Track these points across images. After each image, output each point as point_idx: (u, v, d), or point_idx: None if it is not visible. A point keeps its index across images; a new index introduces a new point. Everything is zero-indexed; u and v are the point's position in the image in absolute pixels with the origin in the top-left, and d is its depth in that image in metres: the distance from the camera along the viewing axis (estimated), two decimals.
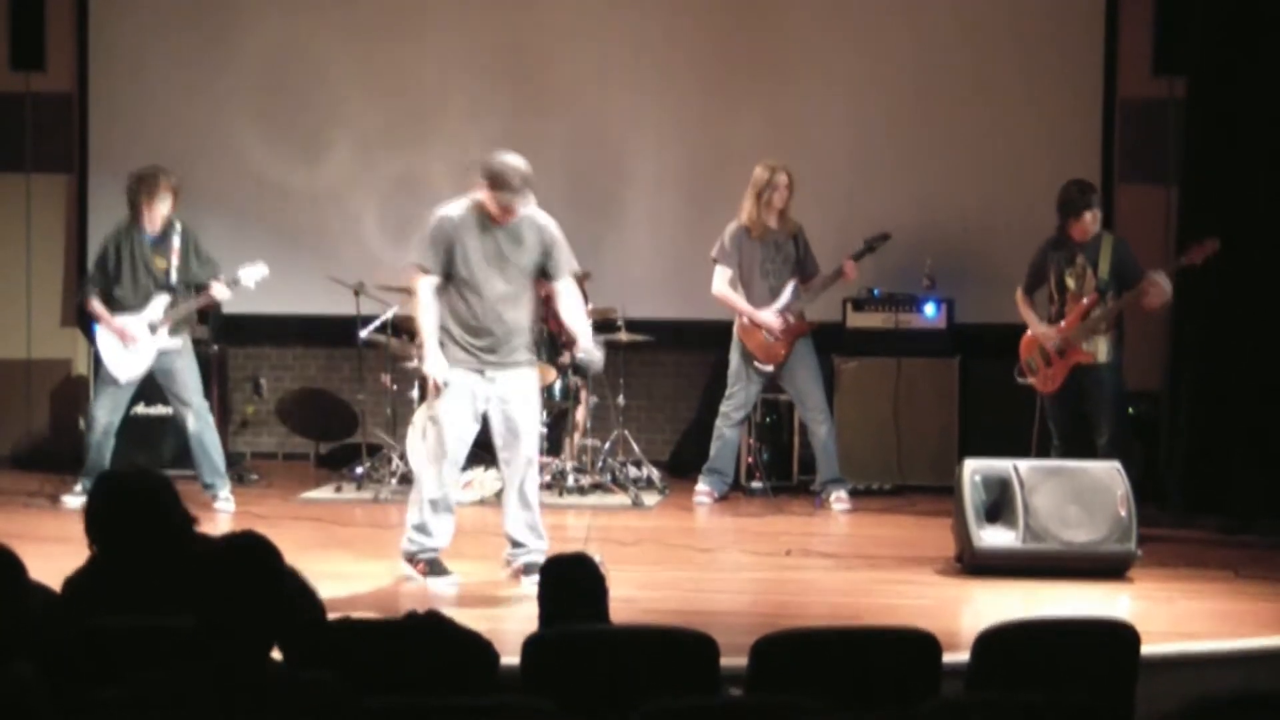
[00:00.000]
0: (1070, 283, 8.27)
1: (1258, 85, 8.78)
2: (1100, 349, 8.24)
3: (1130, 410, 8.65)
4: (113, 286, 8.78)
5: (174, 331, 8.83)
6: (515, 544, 7.09)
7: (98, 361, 8.99)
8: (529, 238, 7.02)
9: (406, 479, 9.20)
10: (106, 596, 4.26)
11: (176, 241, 8.80)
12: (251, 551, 3.64)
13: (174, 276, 8.81)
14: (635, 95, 10.37)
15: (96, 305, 8.81)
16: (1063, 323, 8.27)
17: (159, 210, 8.74)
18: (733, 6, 10.32)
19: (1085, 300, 8.20)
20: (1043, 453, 8.31)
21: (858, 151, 10.24)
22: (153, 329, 8.76)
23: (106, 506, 4.46)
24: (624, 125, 10.39)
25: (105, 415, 8.85)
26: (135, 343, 8.76)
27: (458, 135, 10.49)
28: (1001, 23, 10.18)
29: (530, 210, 7.00)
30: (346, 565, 7.31)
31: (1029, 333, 8.45)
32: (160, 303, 8.79)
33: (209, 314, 9.69)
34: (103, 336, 8.86)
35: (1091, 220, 8.20)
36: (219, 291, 8.81)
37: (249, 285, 8.81)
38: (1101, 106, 10.06)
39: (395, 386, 9.58)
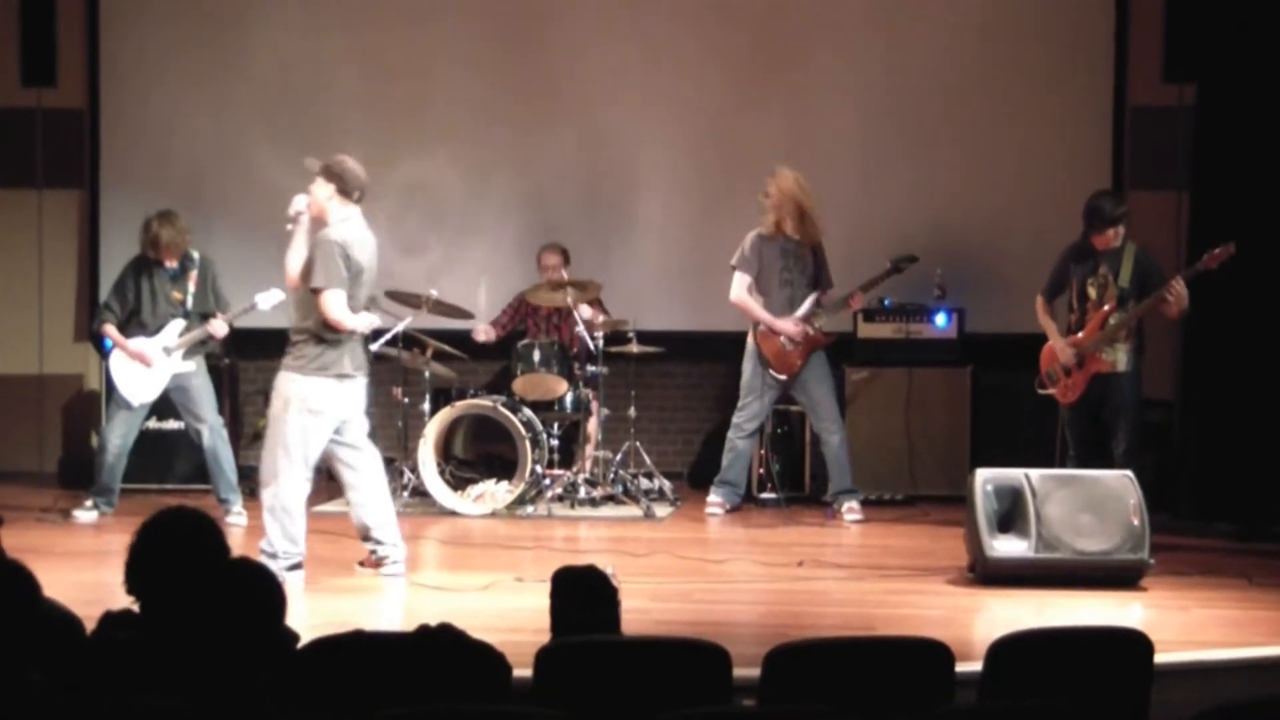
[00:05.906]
0: (1091, 292, 8.24)
1: (1268, 91, 8.78)
2: (1120, 358, 8.21)
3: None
4: (130, 314, 8.84)
5: (188, 355, 8.87)
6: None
7: (110, 385, 9.02)
8: None
9: (419, 492, 9.22)
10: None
11: (194, 272, 8.90)
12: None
13: (190, 304, 8.88)
14: (646, 105, 10.38)
15: (112, 330, 8.88)
16: (1080, 333, 8.25)
17: (165, 251, 8.79)
18: (745, 19, 10.31)
19: (1105, 308, 8.18)
20: (1065, 463, 8.29)
21: (868, 161, 10.23)
22: (167, 352, 8.82)
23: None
24: (635, 136, 10.40)
25: (119, 438, 8.89)
26: (150, 366, 8.81)
27: (469, 145, 10.51)
28: (1012, 31, 10.18)
29: None
30: (358, 578, 7.33)
31: (1049, 344, 8.42)
32: (175, 327, 8.84)
33: None
34: (117, 360, 8.90)
35: (1114, 234, 8.18)
36: (243, 311, 8.84)
37: (265, 309, 8.82)
38: (1112, 113, 10.06)
39: (407, 399, 9.58)
